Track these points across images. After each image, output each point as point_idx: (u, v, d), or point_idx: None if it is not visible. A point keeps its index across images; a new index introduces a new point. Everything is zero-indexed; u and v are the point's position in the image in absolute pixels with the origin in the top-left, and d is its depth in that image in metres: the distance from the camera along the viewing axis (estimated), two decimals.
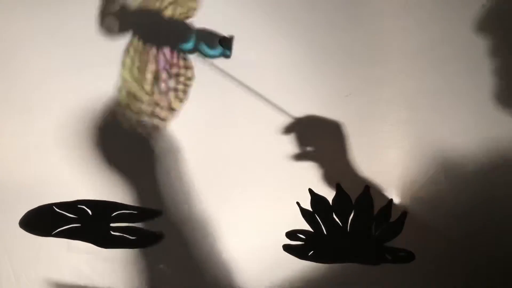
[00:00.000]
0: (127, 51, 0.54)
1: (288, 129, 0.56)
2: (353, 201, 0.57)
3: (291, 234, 0.57)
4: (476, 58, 0.57)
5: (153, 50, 0.54)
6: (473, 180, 0.57)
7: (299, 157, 0.57)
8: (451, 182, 0.57)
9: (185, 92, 0.55)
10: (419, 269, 0.57)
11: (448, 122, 0.57)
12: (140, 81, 0.54)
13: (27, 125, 0.57)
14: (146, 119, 0.54)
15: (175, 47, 0.55)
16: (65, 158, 0.57)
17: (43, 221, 0.56)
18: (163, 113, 0.55)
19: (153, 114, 0.55)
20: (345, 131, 0.57)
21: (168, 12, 0.54)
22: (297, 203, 0.57)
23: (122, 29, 0.54)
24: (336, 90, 0.58)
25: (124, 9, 0.54)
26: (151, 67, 0.54)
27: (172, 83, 0.55)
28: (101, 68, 0.56)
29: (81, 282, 0.57)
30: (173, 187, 0.56)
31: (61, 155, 0.57)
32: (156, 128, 0.55)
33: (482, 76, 0.57)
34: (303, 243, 0.57)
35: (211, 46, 0.54)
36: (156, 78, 0.55)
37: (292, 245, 0.57)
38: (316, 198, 0.57)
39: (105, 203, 0.57)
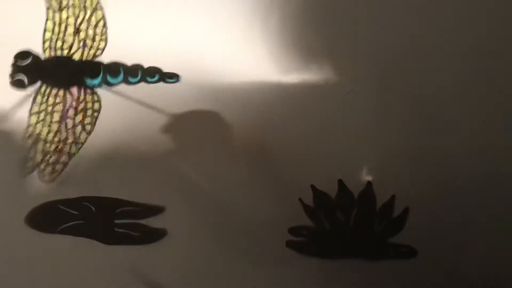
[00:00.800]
0: (33, 99, 0.57)
1: None
2: (356, 197, 0.57)
3: (294, 230, 0.57)
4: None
5: (61, 92, 0.57)
6: (476, 174, 0.57)
7: None
8: (453, 178, 0.58)
9: (92, 124, 0.57)
10: (421, 265, 0.57)
11: (451, 117, 0.58)
12: (46, 123, 0.57)
13: None
14: (51, 157, 0.57)
15: (83, 84, 0.58)
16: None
17: (47, 218, 0.57)
18: (68, 148, 0.57)
19: (58, 150, 0.57)
20: None
21: (77, 56, 0.58)
22: (300, 199, 0.57)
23: (31, 82, 0.57)
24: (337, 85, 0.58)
25: (35, 61, 0.57)
26: (58, 107, 0.57)
27: (78, 118, 0.57)
28: None
29: (86, 278, 0.57)
30: None
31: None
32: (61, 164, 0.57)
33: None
34: (306, 239, 0.57)
35: (114, 75, 0.58)
36: (64, 117, 0.57)
37: (295, 240, 0.57)
38: (318, 194, 0.58)
39: (109, 200, 0.57)
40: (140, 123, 0.57)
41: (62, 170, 0.57)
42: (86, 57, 0.58)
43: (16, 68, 0.56)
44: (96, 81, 0.57)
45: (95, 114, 0.57)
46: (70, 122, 0.57)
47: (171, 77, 0.57)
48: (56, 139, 0.57)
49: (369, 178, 0.57)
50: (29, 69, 0.56)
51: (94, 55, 0.58)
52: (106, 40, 0.58)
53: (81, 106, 0.57)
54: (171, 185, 0.57)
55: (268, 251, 0.57)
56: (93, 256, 0.57)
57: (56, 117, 0.57)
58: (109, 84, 0.58)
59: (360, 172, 0.58)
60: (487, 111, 0.58)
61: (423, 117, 0.58)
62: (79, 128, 0.57)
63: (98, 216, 0.57)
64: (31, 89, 0.57)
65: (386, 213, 0.57)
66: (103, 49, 0.58)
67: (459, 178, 0.58)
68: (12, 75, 0.56)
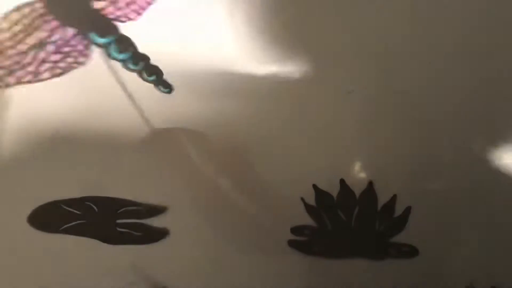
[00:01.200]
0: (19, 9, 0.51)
1: None
2: (357, 197, 0.58)
3: (296, 230, 0.57)
4: None
5: (54, 23, 0.53)
6: (477, 172, 0.58)
7: None
8: (455, 176, 0.58)
9: (64, 71, 0.54)
10: (423, 264, 0.57)
11: (452, 117, 0.58)
12: (15, 38, 0.52)
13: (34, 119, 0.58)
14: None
15: (84, 33, 0.53)
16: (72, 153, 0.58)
17: (50, 217, 0.57)
18: (22, 75, 0.53)
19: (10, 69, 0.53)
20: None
21: (99, 6, 0.53)
22: (302, 198, 0.58)
23: None
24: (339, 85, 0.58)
25: None
26: (40, 34, 0.52)
27: (55, 57, 0.53)
28: None
29: (87, 278, 0.57)
30: None
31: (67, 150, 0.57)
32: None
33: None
34: (308, 238, 0.58)
35: (121, 51, 0.53)
36: (40, 45, 0.53)
37: (297, 240, 0.57)
38: (320, 194, 0.58)
39: (111, 200, 0.57)
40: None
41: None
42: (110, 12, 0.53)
43: None
44: (102, 40, 0.53)
45: (74, 65, 0.54)
46: (42, 55, 0.53)
47: (166, 87, 0.55)
48: (12, 52, 0.52)
49: (370, 177, 0.57)
50: None
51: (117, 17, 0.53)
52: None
53: (66, 49, 0.53)
54: (174, 184, 0.57)
55: (270, 250, 0.57)
56: (95, 256, 0.57)
57: (32, 40, 0.52)
58: (109, 56, 0.54)
59: (362, 171, 0.58)
60: (488, 111, 0.58)
61: (425, 117, 0.58)
62: (48, 64, 0.53)
63: (101, 215, 0.57)
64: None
65: (388, 213, 0.58)
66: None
67: (461, 177, 0.58)
68: None
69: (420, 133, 0.58)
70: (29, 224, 0.56)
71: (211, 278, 0.58)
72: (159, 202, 0.57)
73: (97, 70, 0.54)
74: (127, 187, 0.57)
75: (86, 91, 0.55)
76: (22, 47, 0.53)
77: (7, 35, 0.52)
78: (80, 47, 0.53)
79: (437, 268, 0.58)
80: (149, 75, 0.54)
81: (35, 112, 0.56)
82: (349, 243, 0.58)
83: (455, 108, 0.58)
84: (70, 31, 0.53)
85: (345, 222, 0.58)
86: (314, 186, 0.58)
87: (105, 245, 0.57)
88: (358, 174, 0.58)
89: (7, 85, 0.54)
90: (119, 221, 0.57)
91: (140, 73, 0.55)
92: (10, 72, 0.53)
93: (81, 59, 0.54)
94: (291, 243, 0.57)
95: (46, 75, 0.54)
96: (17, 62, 0.53)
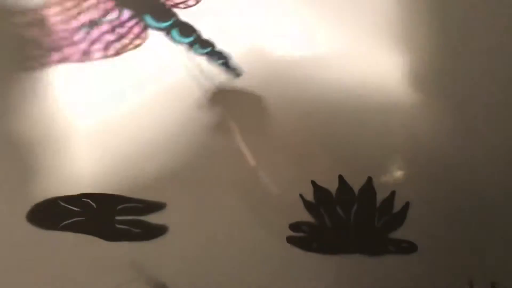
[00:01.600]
0: None
1: None
2: (356, 193, 0.58)
3: (294, 226, 0.57)
4: None
5: (110, 3, 0.53)
6: (475, 170, 0.57)
7: None
8: (453, 172, 0.58)
9: (118, 52, 0.54)
10: (421, 260, 0.57)
11: (451, 115, 0.57)
12: (66, 13, 0.52)
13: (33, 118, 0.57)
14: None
15: (140, 15, 0.54)
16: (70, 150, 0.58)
17: (49, 215, 0.57)
18: (71, 53, 0.53)
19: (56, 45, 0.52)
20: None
21: None
22: (300, 195, 0.58)
23: None
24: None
25: None
26: (95, 13, 0.52)
27: (109, 37, 0.53)
28: None
29: (88, 274, 0.57)
30: None
31: (66, 148, 0.57)
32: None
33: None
34: (306, 234, 0.58)
35: (183, 35, 0.54)
36: (94, 24, 0.53)
37: (295, 236, 0.57)
38: (319, 190, 0.58)
39: (109, 197, 0.57)
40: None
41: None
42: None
43: None
44: (164, 25, 0.53)
45: (130, 47, 0.53)
46: (95, 33, 0.53)
47: (234, 71, 0.54)
48: (61, 27, 0.52)
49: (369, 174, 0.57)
50: None
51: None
52: None
53: (122, 30, 0.53)
54: (172, 181, 0.57)
55: (269, 247, 0.57)
56: (94, 252, 0.57)
57: (85, 17, 0.52)
58: (173, 40, 0.53)
59: (361, 168, 0.58)
60: (482, 105, 0.57)
61: (424, 115, 0.58)
62: (101, 44, 0.53)
63: (99, 212, 0.57)
64: None
65: (387, 209, 0.57)
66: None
67: (459, 174, 0.58)
68: None
69: (420, 130, 0.58)
70: (27, 221, 0.56)
71: (209, 274, 0.58)
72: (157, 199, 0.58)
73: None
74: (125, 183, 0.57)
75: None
76: (73, 23, 0.52)
77: (57, 9, 0.51)
78: (136, 29, 0.53)
79: (436, 264, 0.58)
80: (218, 59, 0.55)
81: None
82: (348, 239, 0.58)
83: (453, 105, 0.58)
84: (126, 13, 0.53)
85: (344, 218, 0.58)
86: (313, 182, 0.57)
87: (104, 241, 0.57)
88: (357, 170, 0.57)
89: (43, 65, 0.53)
90: (118, 218, 0.57)
91: (208, 57, 0.54)
92: (56, 49, 0.52)
93: (137, 41, 0.53)
94: (290, 240, 0.57)
95: (98, 55, 0.53)
96: (66, 39, 0.52)
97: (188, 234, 0.58)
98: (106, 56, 0.53)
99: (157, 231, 0.57)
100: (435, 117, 0.57)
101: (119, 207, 0.57)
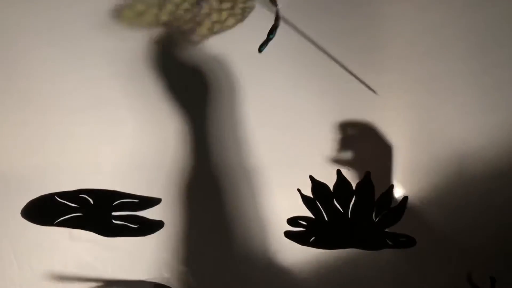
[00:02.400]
0: None
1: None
2: (354, 187, 0.57)
3: (292, 221, 0.57)
4: (477, 41, 0.57)
5: None
6: (473, 164, 0.57)
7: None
8: (452, 167, 0.57)
9: (241, 16, 0.55)
10: (419, 255, 0.57)
11: (449, 108, 0.57)
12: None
13: (28, 114, 0.57)
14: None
15: None
16: (67, 147, 0.57)
17: (45, 210, 0.57)
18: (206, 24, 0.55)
19: (191, 20, 0.55)
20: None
21: None
22: (298, 190, 0.57)
23: None
24: (334, 77, 0.57)
25: None
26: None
27: (226, 5, 0.55)
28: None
29: (84, 271, 0.57)
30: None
31: (62, 144, 0.57)
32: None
33: (484, 60, 0.57)
34: (304, 229, 0.57)
35: None
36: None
37: (293, 231, 0.57)
38: (317, 185, 0.57)
39: (106, 192, 0.57)
40: None
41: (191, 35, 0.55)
42: None
43: None
44: None
45: (247, 9, 0.55)
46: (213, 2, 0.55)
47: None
48: (194, 9, 0.55)
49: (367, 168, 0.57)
50: None
51: None
52: None
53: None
54: (168, 177, 0.57)
55: (265, 241, 0.57)
56: (92, 248, 0.57)
57: None
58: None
59: (359, 163, 0.58)
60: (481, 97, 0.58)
61: (422, 107, 0.58)
62: (225, 13, 0.55)
63: (96, 208, 0.57)
64: None
65: (385, 203, 0.57)
66: None
67: (458, 168, 0.58)
68: None
69: (417, 122, 0.58)
70: (23, 217, 0.56)
71: (206, 269, 0.57)
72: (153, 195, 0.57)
73: None
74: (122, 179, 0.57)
75: None
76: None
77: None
78: None
79: (434, 259, 0.57)
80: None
81: None
82: (346, 233, 0.58)
83: (452, 99, 0.58)
84: None
85: (342, 213, 0.57)
86: (311, 177, 0.57)
87: (101, 237, 0.57)
88: (356, 165, 0.57)
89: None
90: (115, 213, 0.57)
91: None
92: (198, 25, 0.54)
93: (248, 4, 0.55)
94: (288, 234, 0.57)
95: (231, 22, 0.55)
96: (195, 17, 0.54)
97: (183, 229, 0.57)
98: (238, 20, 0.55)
99: (154, 226, 0.57)
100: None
101: (116, 202, 0.57)
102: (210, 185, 0.57)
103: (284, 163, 0.57)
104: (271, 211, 0.57)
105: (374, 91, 0.56)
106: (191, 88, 0.57)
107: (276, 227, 0.57)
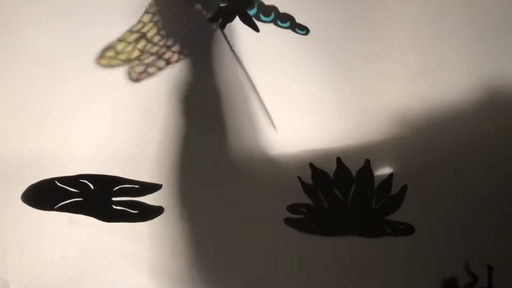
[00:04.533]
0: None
1: None
2: (354, 175, 0.58)
3: (292, 208, 0.57)
4: (479, 31, 0.57)
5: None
6: (474, 154, 0.58)
7: None
8: (452, 155, 0.58)
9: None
10: (418, 242, 0.57)
11: (450, 97, 0.57)
12: (158, 25, 0.56)
13: (28, 99, 0.57)
14: (148, 58, 0.56)
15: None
16: (67, 132, 0.57)
17: (45, 195, 0.57)
18: (170, 56, 0.56)
19: (158, 54, 0.56)
20: None
21: None
22: (298, 177, 0.58)
23: None
24: (336, 66, 0.57)
25: None
26: None
27: None
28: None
29: (84, 255, 0.57)
30: None
31: (62, 129, 0.57)
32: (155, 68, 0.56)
33: (485, 50, 0.57)
34: (304, 216, 0.58)
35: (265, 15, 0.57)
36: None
37: (293, 218, 0.57)
38: (317, 172, 0.58)
39: (106, 178, 0.57)
40: None
41: (152, 74, 0.56)
42: None
43: None
44: (252, 12, 0.56)
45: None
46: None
47: (302, 29, 0.56)
48: (161, 43, 0.55)
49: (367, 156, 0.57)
50: None
51: None
52: None
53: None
54: (169, 162, 0.57)
55: (266, 228, 0.57)
56: (91, 233, 0.57)
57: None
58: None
59: (359, 150, 0.58)
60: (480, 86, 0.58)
61: (421, 97, 0.58)
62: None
63: (96, 193, 0.57)
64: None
65: (384, 191, 0.58)
66: None
67: (457, 157, 0.58)
68: None
69: (419, 112, 0.58)
70: (23, 202, 0.56)
71: (206, 255, 0.58)
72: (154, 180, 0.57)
73: None
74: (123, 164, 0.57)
75: None
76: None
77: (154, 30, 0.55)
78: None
79: (433, 247, 0.58)
80: (283, 22, 0.56)
81: None
82: (345, 221, 0.58)
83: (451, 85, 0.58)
84: (198, 6, 0.56)
85: (342, 200, 0.58)
86: (311, 164, 0.57)
87: (102, 222, 0.57)
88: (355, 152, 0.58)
89: None
90: (115, 199, 0.57)
91: (274, 22, 0.56)
92: None
93: None
94: (288, 221, 0.57)
95: None
96: None
97: (184, 215, 0.57)
98: None
99: (154, 212, 0.57)
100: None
101: (116, 188, 0.57)
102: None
103: None
104: None
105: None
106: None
107: None
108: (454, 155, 0.58)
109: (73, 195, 0.57)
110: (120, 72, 0.57)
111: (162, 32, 0.55)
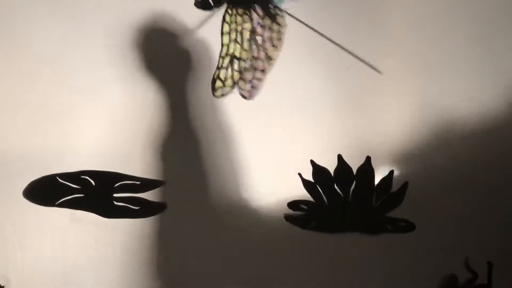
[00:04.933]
0: (223, 18, 0.57)
1: None
2: (355, 172, 0.58)
3: (293, 204, 0.58)
4: (480, 28, 0.57)
5: (246, 10, 0.57)
6: (473, 150, 0.58)
7: None
8: (452, 152, 0.58)
9: (279, 39, 0.57)
10: (419, 239, 0.57)
11: (451, 93, 0.58)
12: (238, 41, 0.57)
13: (30, 95, 0.57)
14: (247, 74, 0.57)
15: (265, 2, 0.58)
16: (69, 128, 0.57)
17: (46, 191, 0.57)
18: (261, 65, 0.57)
19: (253, 68, 0.57)
20: None
21: None
22: (299, 174, 0.58)
23: (216, 3, 0.57)
24: (337, 63, 0.57)
25: None
26: (247, 26, 0.57)
27: (267, 34, 0.57)
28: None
29: (85, 251, 0.57)
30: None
31: (64, 125, 0.57)
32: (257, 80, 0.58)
33: (486, 46, 0.57)
34: (304, 213, 0.58)
35: None
36: (253, 33, 0.57)
37: (293, 215, 0.58)
38: (318, 169, 0.58)
39: (108, 174, 0.57)
40: None
41: (259, 87, 0.57)
42: None
43: None
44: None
45: (282, 29, 0.57)
46: (259, 39, 0.57)
47: None
48: (249, 56, 0.57)
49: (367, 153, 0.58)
50: None
51: None
52: None
53: (267, 22, 0.57)
54: (171, 159, 0.57)
55: (267, 224, 0.57)
56: (92, 229, 0.57)
57: (246, 35, 0.57)
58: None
59: (359, 147, 0.58)
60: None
61: (423, 95, 0.58)
62: (268, 44, 0.57)
63: (97, 189, 0.57)
64: (217, 10, 0.57)
65: (385, 188, 0.58)
66: None
67: (458, 154, 0.58)
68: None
69: (419, 108, 0.58)
70: (25, 198, 0.56)
71: (209, 251, 0.58)
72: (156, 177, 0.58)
73: None
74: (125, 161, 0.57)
75: None
76: (246, 44, 0.57)
77: (238, 47, 0.57)
78: (272, 12, 0.57)
79: (433, 243, 0.58)
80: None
81: None
82: (346, 218, 0.58)
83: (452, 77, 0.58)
84: (258, 8, 0.57)
85: (342, 197, 0.58)
86: (312, 161, 0.58)
87: (103, 219, 0.57)
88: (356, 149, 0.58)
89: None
90: (116, 195, 0.57)
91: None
92: (252, 68, 0.58)
93: (281, 21, 0.57)
94: (288, 218, 0.57)
95: (273, 54, 0.57)
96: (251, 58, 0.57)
97: (186, 211, 0.57)
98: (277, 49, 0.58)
99: (156, 208, 0.57)
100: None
101: (117, 184, 0.57)
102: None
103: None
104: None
105: (378, 71, 0.56)
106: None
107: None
108: (454, 153, 0.58)
109: (75, 191, 0.57)
110: (120, 69, 0.57)
111: (244, 46, 0.58)
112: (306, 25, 0.56)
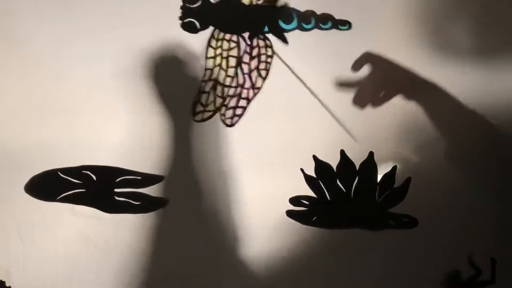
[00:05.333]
0: (208, 43, 0.57)
1: None
2: (357, 168, 0.57)
3: (295, 200, 0.57)
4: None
5: (234, 37, 0.57)
6: (475, 147, 0.57)
7: None
8: (453, 149, 0.57)
9: (266, 70, 0.57)
10: (422, 235, 0.57)
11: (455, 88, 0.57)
12: (223, 67, 0.57)
13: (32, 90, 0.57)
14: (230, 101, 0.57)
15: (259, 31, 0.57)
16: (70, 123, 0.57)
17: (48, 186, 0.57)
18: (246, 92, 0.57)
19: (237, 95, 0.57)
20: None
21: (246, 1, 0.57)
22: (301, 169, 0.57)
23: (203, 26, 0.57)
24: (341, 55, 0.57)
25: (205, 4, 0.56)
26: (233, 52, 0.57)
27: (254, 64, 0.57)
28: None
29: (86, 246, 0.57)
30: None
31: (65, 120, 0.57)
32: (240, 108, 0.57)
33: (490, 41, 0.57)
34: (307, 209, 0.57)
35: (287, 21, 0.57)
36: (239, 61, 0.57)
37: (295, 211, 0.57)
38: (320, 165, 0.57)
39: (109, 169, 0.57)
40: None
41: (242, 114, 0.57)
42: (257, 1, 0.57)
43: (186, 11, 0.56)
44: (292, 25, 0.57)
45: (269, 59, 0.57)
46: (245, 67, 0.57)
47: (343, 24, 0.57)
48: (233, 83, 0.57)
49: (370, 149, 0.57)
50: (199, 12, 0.56)
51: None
52: None
53: (255, 51, 0.57)
54: (171, 155, 0.57)
55: (269, 220, 0.57)
56: (93, 224, 0.57)
57: (232, 62, 0.57)
58: (282, 30, 0.57)
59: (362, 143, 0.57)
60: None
61: (424, 89, 0.57)
62: (254, 73, 0.57)
63: (99, 184, 0.57)
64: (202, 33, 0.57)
65: (388, 184, 0.57)
66: None
67: (460, 150, 0.58)
68: (182, 17, 0.56)
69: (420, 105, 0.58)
70: (26, 192, 0.56)
71: (210, 247, 0.58)
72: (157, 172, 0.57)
73: None
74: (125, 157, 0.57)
75: None
76: (231, 71, 0.57)
77: (223, 73, 0.57)
78: (261, 42, 0.57)
79: (436, 239, 0.58)
80: (324, 24, 0.57)
81: None
82: (348, 213, 0.58)
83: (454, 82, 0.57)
84: (246, 35, 0.57)
85: (345, 193, 0.58)
86: (314, 157, 0.57)
87: (104, 213, 0.57)
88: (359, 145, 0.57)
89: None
90: (117, 190, 0.57)
91: (317, 27, 0.57)
92: (235, 95, 0.57)
93: (269, 52, 0.57)
94: (290, 214, 0.57)
95: (259, 82, 0.57)
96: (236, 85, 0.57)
97: (187, 207, 0.57)
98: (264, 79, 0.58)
99: (157, 203, 0.57)
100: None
101: (118, 179, 0.57)
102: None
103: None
104: None
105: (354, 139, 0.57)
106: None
107: None
108: (457, 148, 0.57)
109: (76, 186, 0.57)
110: (122, 64, 0.57)
111: (229, 73, 0.57)
112: (292, 71, 0.56)
